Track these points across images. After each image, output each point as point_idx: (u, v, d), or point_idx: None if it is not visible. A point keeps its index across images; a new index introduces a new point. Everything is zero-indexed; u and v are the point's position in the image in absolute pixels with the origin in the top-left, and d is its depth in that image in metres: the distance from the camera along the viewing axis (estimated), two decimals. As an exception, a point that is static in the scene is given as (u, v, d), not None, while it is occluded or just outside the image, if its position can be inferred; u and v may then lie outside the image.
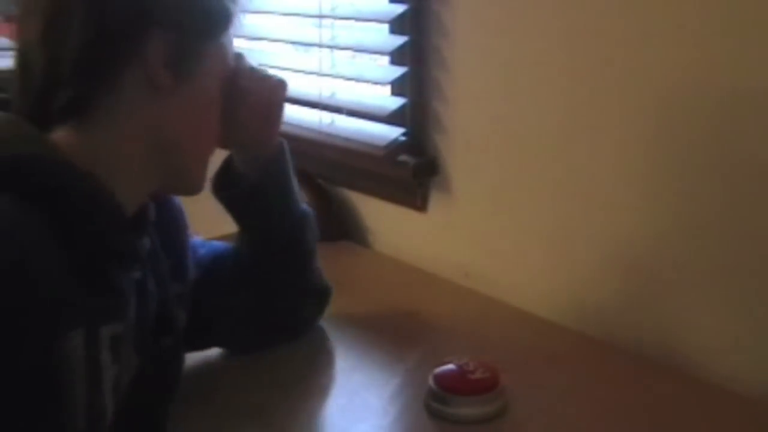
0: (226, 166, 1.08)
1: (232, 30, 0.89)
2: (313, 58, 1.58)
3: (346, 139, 1.51)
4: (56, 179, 0.71)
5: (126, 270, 0.80)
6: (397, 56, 1.43)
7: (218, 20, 0.86)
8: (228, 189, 1.07)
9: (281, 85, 1.05)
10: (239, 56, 0.97)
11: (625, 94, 1.13)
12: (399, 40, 1.41)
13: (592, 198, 1.19)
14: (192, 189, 0.91)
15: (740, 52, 1.00)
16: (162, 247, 0.93)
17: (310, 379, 1.08)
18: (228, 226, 1.12)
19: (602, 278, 1.20)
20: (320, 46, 1.55)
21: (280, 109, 1.06)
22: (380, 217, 1.54)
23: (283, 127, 1.08)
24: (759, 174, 1.01)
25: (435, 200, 1.45)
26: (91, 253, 0.72)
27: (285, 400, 1.03)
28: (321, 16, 1.54)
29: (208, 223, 1.13)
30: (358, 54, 1.57)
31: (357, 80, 1.52)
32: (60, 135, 0.77)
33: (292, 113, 1.42)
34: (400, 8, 1.40)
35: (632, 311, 1.16)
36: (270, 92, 1.03)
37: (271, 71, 1.05)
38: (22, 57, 0.79)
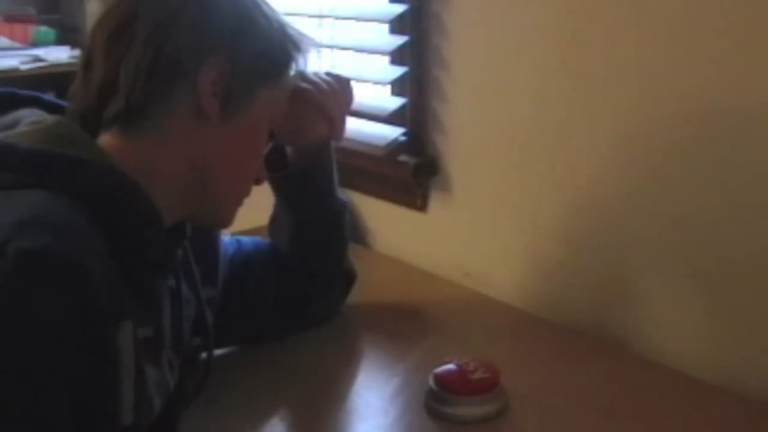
0: (275, 149, 1.11)
1: (288, 79, 0.91)
2: (313, 58, 1.58)
3: (346, 139, 1.51)
4: (102, 183, 0.73)
5: (160, 277, 0.83)
6: (397, 56, 1.43)
7: (276, 63, 0.87)
8: (276, 170, 1.11)
9: (344, 86, 1.12)
10: (301, 72, 1.02)
11: (624, 95, 1.13)
12: (399, 40, 1.41)
13: (593, 197, 1.19)
14: (219, 224, 0.95)
15: (735, 64, 1.01)
16: (194, 254, 0.95)
17: (310, 378, 1.08)
18: (246, 222, 1.13)
19: (605, 278, 1.20)
20: (320, 46, 1.54)
21: (347, 104, 1.14)
22: (380, 217, 1.54)
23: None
24: (740, 176, 1.02)
25: (435, 200, 1.45)
26: (130, 257, 0.74)
27: (285, 400, 1.04)
28: (321, 16, 1.54)
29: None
30: (358, 54, 1.57)
31: (357, 80, 1.52)
32: (107, 139, 0.80)
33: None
34: (400, 8, 1.40)
35: (635, 312, 1.16)
36: (333, 93, 1.10)
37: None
38: (86, 61, 0.82)
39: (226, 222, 0.91)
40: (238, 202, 0.91)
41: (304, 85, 1.07)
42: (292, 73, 0.92)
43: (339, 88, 1.11)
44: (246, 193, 0.91)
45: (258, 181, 0.93)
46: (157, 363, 0.82)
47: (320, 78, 1.10)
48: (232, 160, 0.86)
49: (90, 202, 0.70)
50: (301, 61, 0.91)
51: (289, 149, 1.13)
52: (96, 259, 0.67)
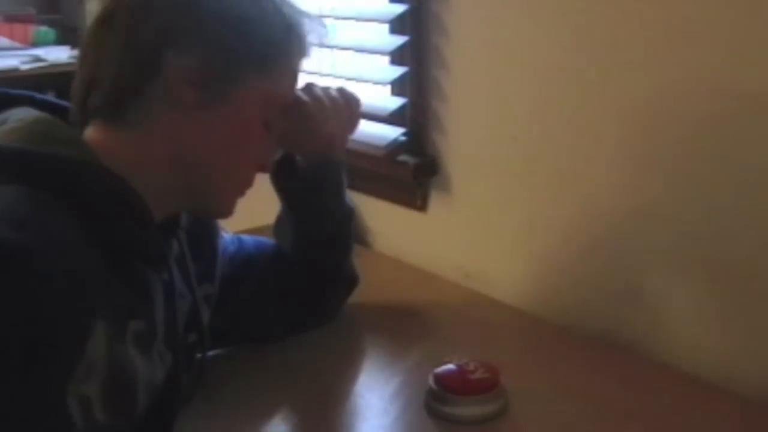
0: (285, 157, 1.11)
1: (290, 66, 0.90)
2: (313, 59, 1.58)
3: (347, 139, 1.51)
4: (82, 178, 0.73)
5: (152, 269, 0.82)
6: (397, 56, 1.43)
7: (263, 48, 0.85)
8: (285, 180, 1.11)
9: (350, 104, 1.12)
10: (309, 85, 1.04)
11: (624, 95, 1.12)
12: (399, 40, 1.41)
13: (593, 197, 1.19)
14: (217, 214, 0.94)
15: (739, 54, 1.00)
16: (192, 250, 0.94)
17: (310, 378, 1.08)
18: (247, 221, 1.14)
19: (603, 278, 1.20)
20: (320, 46, 1.54)
21: (351, 123, 1.13)
22: (380, 217, 1.54)
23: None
24: (745, 172, 1.01)
25: (435, 200, 1.45)
26: (117, 251, 0.74)
27: (286, 400, 1.04)
28: (321, 16, 1.54)
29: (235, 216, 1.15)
30: (358, 54, 1.57)
31: (357, 80, 1.53)
32: (91, 133, 0.81)
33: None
34: (400, 8, 1.40)
35: (633, 312, 1.16)
36: (335, 111, 1.09)
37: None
38: (80, 57, 0.84)
39: (225, 212, 0.90)
40: (237, 192, 0.89)
41: (305, 98, 1.06)
42: (296, 57, 0.91)
43: (343, 105, 1.10)
44: (246, 182, 0.90)
45: (263, 169, 0.91)
46: (148, 357, 0.81)
47: (326, 93, 1.09)
48: (220, 151, 0.85)
49: (71, 197, 0.71)
50: (297, 45, 0.89)
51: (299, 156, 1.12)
52: (65, 255, 0.66)
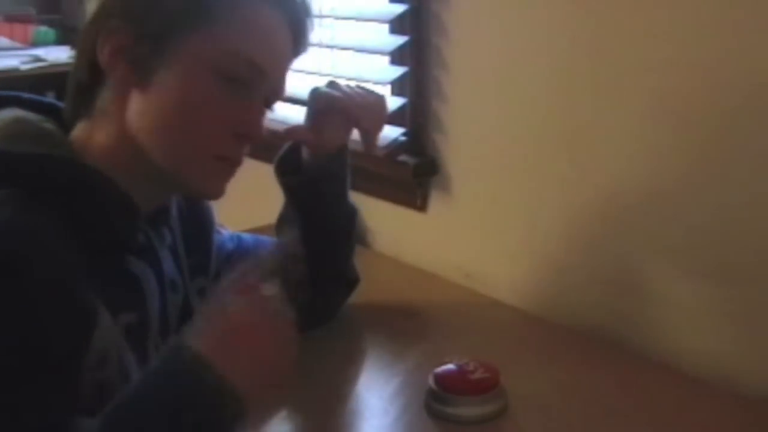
0: (290, 152, 1.11)
1: (235, 14, 0.82)
2: (312, 59, 1.58)
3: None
4: (56, 175, 0.74)
5: (141, 259, 0.82)
6: (397, 56, 1.43)
7: (186, 11, 0.81)
8: (289, 176, 1.10)
9: (378, 100, 1.10)
10: (332, 82, 1.05)
11: (625, 95, 1.12)
12: (399, 40, 1.41)
13: (594, 197, 1.19)
14: (204, 195, 0.91)
15: (750, 51, 1.00)
16: (186, 243, 0.94)
17: (310, 378, 1.07)
18: (248, 221, 1.13)
19: (604, 278, 1.20)
20: (320, 46, 1.54)
21: (382, 118, 1.11)
22: (380, 217, 1.54)
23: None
24: (752, 172, 1.01)
25: (435, 200, 1.44)
26: (102, 244, 0.74)
27: (285, 400, 1.03)
28: (321, 16, 1.54)
29: (235, 216, 1.15)
30: (358, 54, 1.57)
31: (357, 80, 1.52)
32: (77, 131, 0.83)
33: (291, 113, 1.42)
34: (400, 8, 1.40)
35: (634, 312, 1.16)
36: (367, 106, 1.08)
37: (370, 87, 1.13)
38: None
39: (207, 189, 0.87)
40: (214, 165, 0.84)
41: (338, 94, 1.06)
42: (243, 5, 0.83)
43: (373, 100, 1.10)
44: (220, 152, 0.84)
45: (243, 133, 0.84)
46: (143, 349, 0.82)
47: (353, 90, 1.09)
48: (175, 119, 0.82)
49: (49, 194, 0.72)
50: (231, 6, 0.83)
51: (305, 152, 1.11)
52: (54, 255, 0.68)
